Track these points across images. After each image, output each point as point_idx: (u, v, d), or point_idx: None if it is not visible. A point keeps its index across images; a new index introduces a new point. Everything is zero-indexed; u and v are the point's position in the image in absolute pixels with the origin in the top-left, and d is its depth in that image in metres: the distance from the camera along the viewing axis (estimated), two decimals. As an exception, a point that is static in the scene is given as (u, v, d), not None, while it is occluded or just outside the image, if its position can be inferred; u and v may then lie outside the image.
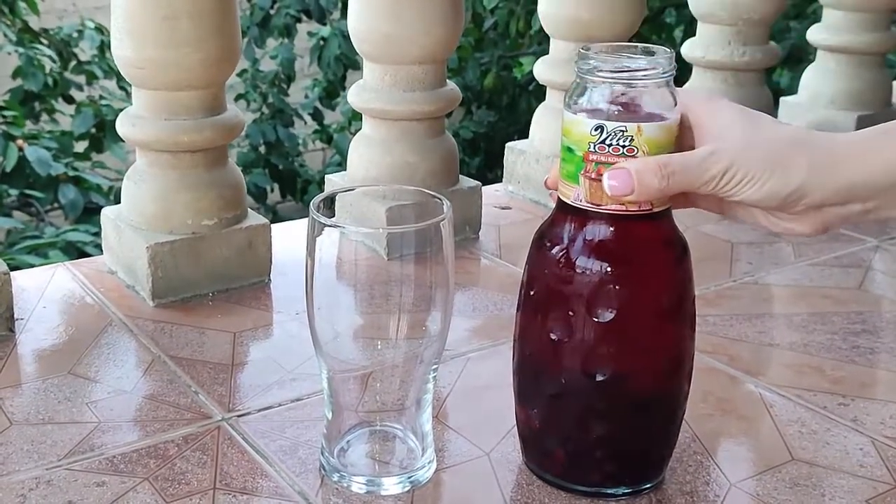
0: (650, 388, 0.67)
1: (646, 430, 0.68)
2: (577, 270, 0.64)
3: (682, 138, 0.63)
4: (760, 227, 0.66)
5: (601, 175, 0.61)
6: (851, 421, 0.81)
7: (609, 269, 0.63)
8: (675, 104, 0.62)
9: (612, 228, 0.63)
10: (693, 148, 0.62)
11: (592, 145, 0.62)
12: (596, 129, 0.61)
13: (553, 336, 0.66)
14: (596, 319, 0.64)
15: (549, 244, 0.66)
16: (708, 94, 0.65)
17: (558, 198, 0.66)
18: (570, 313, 0.65)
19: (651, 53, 0.63)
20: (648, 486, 0.70)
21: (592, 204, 0.63)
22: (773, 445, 0.78)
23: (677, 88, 0.63)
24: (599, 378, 0.65)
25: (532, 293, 0.68)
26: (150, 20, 0.95)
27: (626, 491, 0.69)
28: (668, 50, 0.63)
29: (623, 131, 0.61)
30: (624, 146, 0.61)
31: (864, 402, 0.84)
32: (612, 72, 0.62)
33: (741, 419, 0.82)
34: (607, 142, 0.61)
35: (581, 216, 0.64)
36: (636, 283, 0.64)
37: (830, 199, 0.60)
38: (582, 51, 0.64)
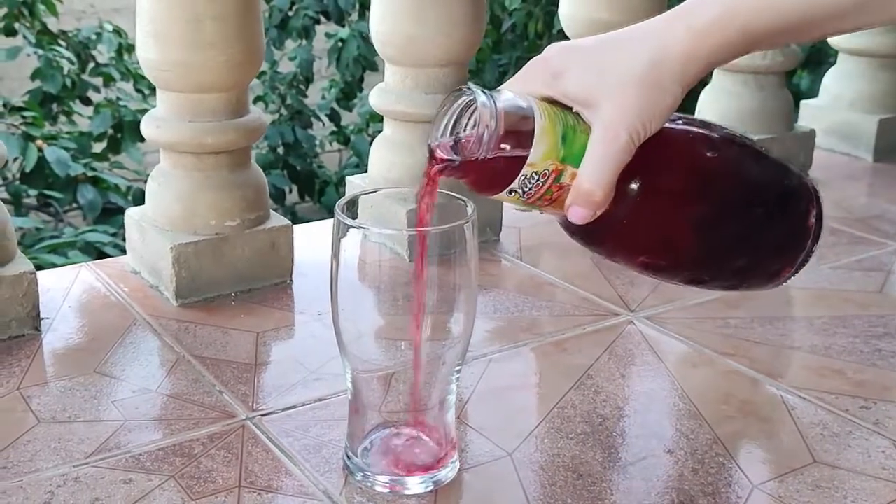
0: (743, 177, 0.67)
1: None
2: (629, 214, 0.64)
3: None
4: None
5: (554, 199, 0.62)
6: (873, 424, 0.81)
7: (639, 185, 0.63)
8: (523, 105, 0.61)
9: None
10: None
11: (523, 199, 0.62)
12: (510, 193, 0.61)
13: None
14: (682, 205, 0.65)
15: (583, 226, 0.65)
16: (542, 76, 0.63)
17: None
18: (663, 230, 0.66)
19: (467, 94, 0.62)
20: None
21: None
22: (795, 448, 0.78)
23: (503, 88, 0.62)
24: (722, 220, 0.66)
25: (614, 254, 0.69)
26: (174, 23, 0.96)
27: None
28: (468, 88, 0.61)
29: (526, 177, 0.60)
30: (541, 179, 0.61)
31: (886, 406, 0.84)
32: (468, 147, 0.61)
33: (763, 421, 0.82)
34: (526, 190, 0.61)
35: None
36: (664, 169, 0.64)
37: (698, 78, 0.62)
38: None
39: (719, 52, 0.61)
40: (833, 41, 1.64)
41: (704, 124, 0.67)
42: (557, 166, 0.61)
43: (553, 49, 0.64)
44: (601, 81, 0.61)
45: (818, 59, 2.96)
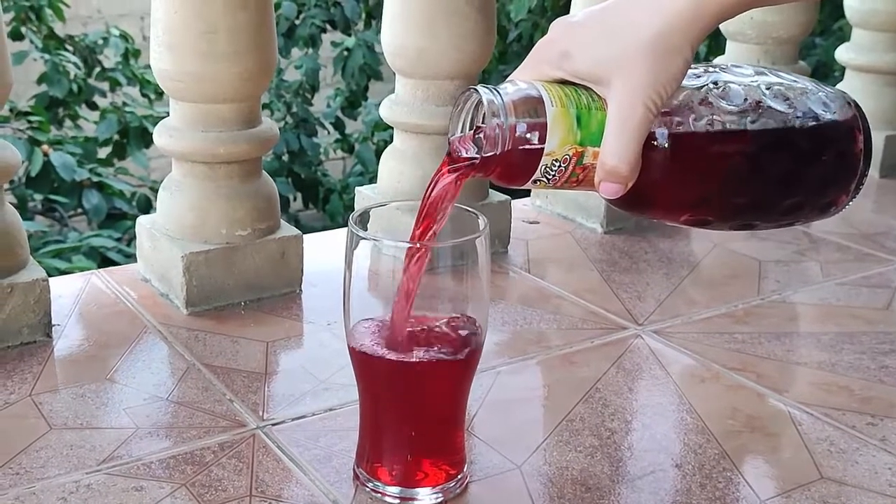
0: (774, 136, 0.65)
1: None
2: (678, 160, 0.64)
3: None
4: None
5: (581, 180, 0.62)
6: (880, 440, 0.81)
7: (666, 147, 0.62)
8: (532, 94, 0.60)
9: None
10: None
11: (549, 185, 0.62)
12: (535, 182, 0.62)
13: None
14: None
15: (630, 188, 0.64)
16: (550, 58, 0.62)
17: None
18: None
19: (474, 95, 0.62)
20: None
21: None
22: (802, 463, 0.78)
23: (511, 80, 0.62)
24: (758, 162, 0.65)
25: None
26: (189, 34, 0.96)
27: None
28: (473, 89, 0.62)
29: (547, 166, 0.60)
30: (563, 165, 0.61)
31: (892, 422, 0.84)
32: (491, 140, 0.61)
33: (770, 436, 0.82)
34: (550, 177, 0.61)
35: None
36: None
37: (706, 34, 0.62)
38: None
39: (725, 9, 0.60)
40: (840, 57, 1.65)
41: (724, 69, 0.65)
42: (577, 150, 0.60)
43: (558, 28, 0.63)
44: (609, 56, 0.60)
45: (823, 73, 2.97)
